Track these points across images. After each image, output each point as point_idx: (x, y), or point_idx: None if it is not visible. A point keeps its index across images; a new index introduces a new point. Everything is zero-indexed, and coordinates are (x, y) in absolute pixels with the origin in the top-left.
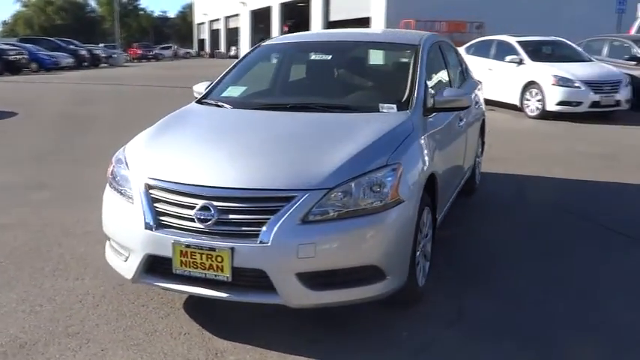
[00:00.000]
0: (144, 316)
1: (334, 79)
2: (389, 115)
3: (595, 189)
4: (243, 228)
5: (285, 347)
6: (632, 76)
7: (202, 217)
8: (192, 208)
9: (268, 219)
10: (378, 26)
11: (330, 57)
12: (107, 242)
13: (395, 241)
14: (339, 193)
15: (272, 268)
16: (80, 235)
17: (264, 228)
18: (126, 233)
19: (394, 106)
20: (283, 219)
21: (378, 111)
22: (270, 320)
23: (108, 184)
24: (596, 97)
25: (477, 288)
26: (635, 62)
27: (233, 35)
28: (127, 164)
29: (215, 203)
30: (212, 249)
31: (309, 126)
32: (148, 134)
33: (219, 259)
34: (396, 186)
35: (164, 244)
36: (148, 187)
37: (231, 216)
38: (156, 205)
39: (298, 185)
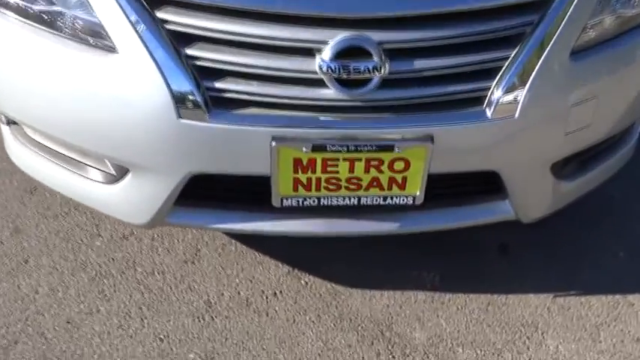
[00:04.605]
0: (181, 296)
1: None
2: None
3: None
4: (450, 88)
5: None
6: None
7: (349, 72)
8: (308, 53)
9: (503, 62)
10: None
11: None
12: (8, 128)
13: None
14: None
15: (515, 165)
16: None
17: (496, 84)
18: (107, 125)
19: None
20: (544, 55)
21: None
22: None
23: None
24: None
25: None
26: None
27: None
28: None
29: (376, 37)
30: (386, 147)
31: None
32: None
33: (399, 165)
34: None
35: (240, 146)
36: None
37: (418, 63)
38: (191, 52)
39: None
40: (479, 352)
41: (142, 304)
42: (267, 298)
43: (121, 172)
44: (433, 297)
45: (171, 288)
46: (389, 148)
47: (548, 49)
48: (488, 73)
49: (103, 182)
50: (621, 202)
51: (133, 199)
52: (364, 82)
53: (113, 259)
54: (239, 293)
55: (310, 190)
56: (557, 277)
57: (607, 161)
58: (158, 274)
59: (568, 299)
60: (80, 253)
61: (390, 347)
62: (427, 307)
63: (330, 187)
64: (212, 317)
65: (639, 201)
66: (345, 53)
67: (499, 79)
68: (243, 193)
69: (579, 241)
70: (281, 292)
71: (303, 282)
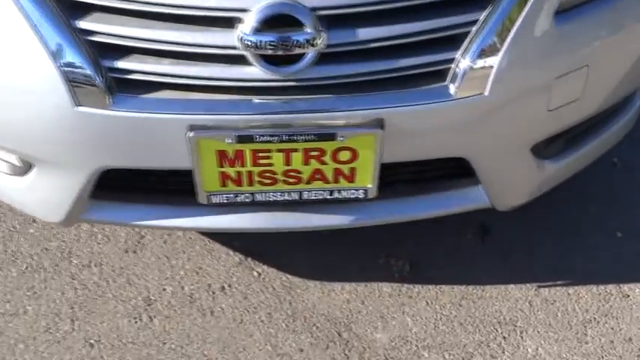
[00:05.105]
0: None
1: None
2: None
3: None
4: (404, 61)
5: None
6: None
7: (276, 46)
8: (227, 23)
9: (471, 27)
10: None
11: None
12: None
13: None
14: None
15: (486, 150)
16: None
17: (462, 54)
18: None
19: None
20: (522, 17)
21: None
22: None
23: None
24: None
25: None
26: None
27: None
28: None
29: (309, 1)
30: (327, 136)
31: None
32: None
33: (345, 155)
34: None
35: (153, 137)
36: None
37: (363, 32)
38: (85, 25)
39: None
40: (446, 356)
41: (74, 302)
42: (213, 293)
43: (27, 164)
44: (400, 289)
45: (108, 283)
46: (330, 137)
47: (527, 8)
48: (451, 41)
49: (9, 174)
50: (624, 170)
51: (43, 194)
52: (297, 58)
53: (47, 249)
54: (183, 288)
55: (241, 184)
56: (544, 262)
57: (604, 134)
58: (95, 266)
59: (554, 290)
60: (11, 243)
61: (346, 351)
62: (393, 301)
63: (265, 181)
64: (150, 317)
65: None
66: (272, 22)
67: (465, 48)
68: (170, 184)
69: (572, 219)
70: (230, 285)
71: (255, 273)
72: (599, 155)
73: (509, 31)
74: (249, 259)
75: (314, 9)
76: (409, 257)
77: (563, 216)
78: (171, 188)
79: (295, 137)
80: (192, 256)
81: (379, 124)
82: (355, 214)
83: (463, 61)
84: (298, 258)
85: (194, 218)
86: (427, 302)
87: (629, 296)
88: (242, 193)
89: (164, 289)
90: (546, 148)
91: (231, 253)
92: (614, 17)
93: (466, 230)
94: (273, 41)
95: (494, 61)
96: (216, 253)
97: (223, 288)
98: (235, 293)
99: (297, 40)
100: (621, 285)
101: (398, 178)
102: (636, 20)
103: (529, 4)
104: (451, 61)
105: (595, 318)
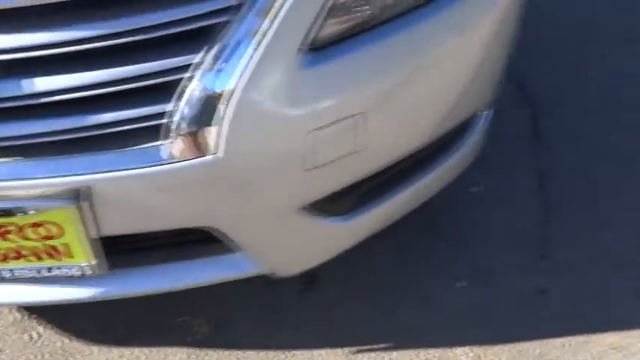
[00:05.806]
0: None
1: None
2: None
3: None
4: (99, 117)
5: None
6: None
7: None
8: None
9: (185, 71)
10: None
11: None
12: None
13: None
14: None
15: (231, 218)
16: None
17: (177, 104)
18: None
19: None
20: (255, 59)
21: None
22: None
23: None
24: None
25: None
26: None
27: None
28: None
29: None
30: (9, 211)
31: None
32: None
33: (44, 230)
34: None
35: None
36: None
37: (42, 81)
38: None
39: None
40: None
41: None
42: None
43: None
44: (195, 356)
45: None
46: (13, 212)
47: (261, 46)
48: (159, 90)
49: None
50: (483, 200)
51: None
52: None
53: None
54: None
55: None
56: (368, 320)
57: (430, 173)
58: None
59: (370, 357)
60: None
61: None
62: None
63: None
64: None
65: (508, 200)
66: None
67: (180, 98)
68: None
69: (414, 262)
70: None
71: (31, 336)
72: (430, 196)
73: (238, 76)
74: (30, 317)
75: None
76: (214, 316)
77: (405, 258)
78: None
79: None
80: None
81: (79, 194)
82: (88, 288)
83: (178, 114)
84: (85, 317)
85: None
86: None
87: None
88: None
89: None
90: (335, 205)
91: (9, 310)
92: (386, 54)
93: (291, 280)
94: None
95: (219, 114)
96: None
97: None
98: None
99: None
100: (453, 348)
101: (143, 245)
102: (418, 56)
103: (264, 41)
104: (162, 115)
105: None
